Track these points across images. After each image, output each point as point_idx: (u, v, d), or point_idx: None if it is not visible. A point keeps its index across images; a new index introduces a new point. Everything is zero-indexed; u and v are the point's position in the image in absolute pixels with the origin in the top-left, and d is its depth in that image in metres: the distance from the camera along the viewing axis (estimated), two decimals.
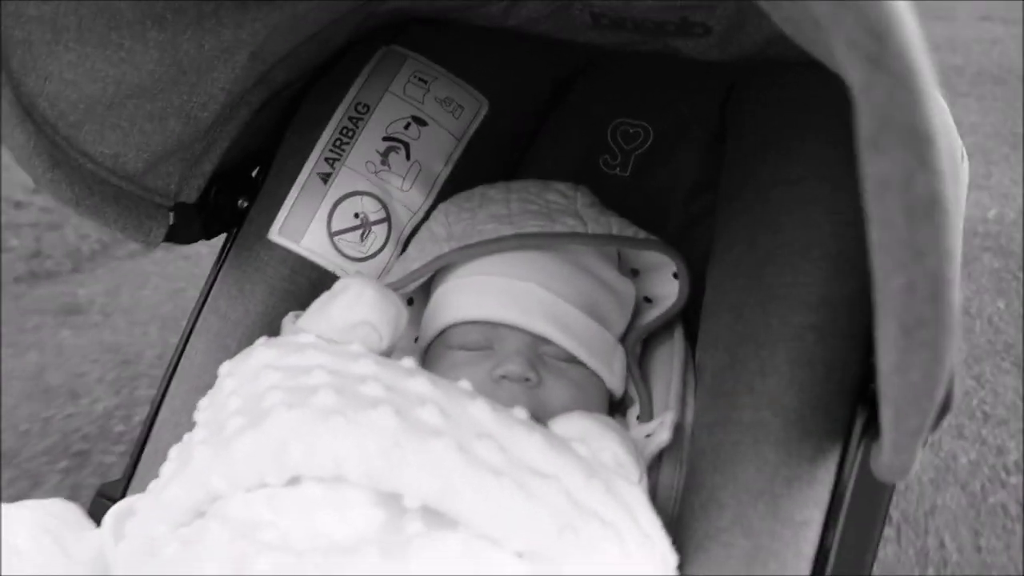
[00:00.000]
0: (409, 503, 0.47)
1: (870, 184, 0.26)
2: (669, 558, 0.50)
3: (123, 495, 0.68)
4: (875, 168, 0.26)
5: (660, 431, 0.61)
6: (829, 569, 0.51)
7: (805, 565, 0.50)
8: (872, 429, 0.52)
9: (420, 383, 0.52)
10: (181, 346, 0.71)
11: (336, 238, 0.74)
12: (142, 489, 0.62)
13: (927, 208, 0.26)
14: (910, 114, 0.24)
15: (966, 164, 0.59)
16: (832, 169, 0.61)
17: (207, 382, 0.63)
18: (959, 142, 0.50)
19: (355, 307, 0.59)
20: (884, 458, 0.39)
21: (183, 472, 0.52)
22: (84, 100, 0.56)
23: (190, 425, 0.61)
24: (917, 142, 0.25)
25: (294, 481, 0.49)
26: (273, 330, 0.69)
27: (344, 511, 0.48)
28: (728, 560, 0.52)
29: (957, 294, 0.29)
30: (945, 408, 0.36)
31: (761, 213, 0.64)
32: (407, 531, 0.47)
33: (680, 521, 0.57)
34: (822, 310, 0.56)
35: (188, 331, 0.72)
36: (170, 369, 0.71)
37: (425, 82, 0.78)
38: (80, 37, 0.53)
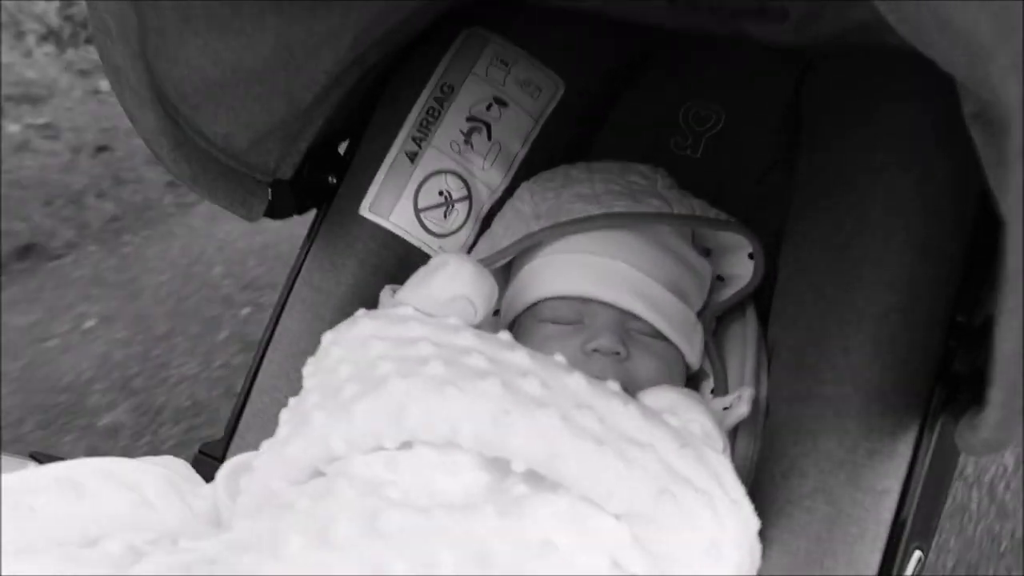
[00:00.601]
0: (516, 467, 0.51)
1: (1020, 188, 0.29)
2: (752, 522, 0.54)
3: (224, 454, 0.72)
4: None
5: (739, 404, 0.65)
6: (905, 535, 0.54)
7: (884, 531, 0.54)
8: (952, 407, 0.55)
9: (520, 356, 0.56)
10: (276, 315, 0.76)
11: (422, 214, 0.77)
12: (242, 449, 0.70)
13: None
14: None
15: None
16: (916, 157, 0.63)
17: (302, 349, 0.70)
18: None
19: (454, 282, 0.63)
20: (984, 434, 0.42)
21: (301, 433, 0.56)
22: (205, 83, 0.59)
23: (288, 390, 0.68)
24: None
25: (406, 445, 0.54)
26: (363, 301, 0.73)
27: (455, 473, 0.53)
28: (811, 524, 0.56)
29: None
30: None
31: (844, 198, 0.66)
32: (513, 492, 0.52)
33: (760, 489, 0.60)
34: (906, 293, 0.59)
35: (283, 301, 0.76)
36: (266, 336, 0.75)
37: (506, 64, 0.80)
38: (208, 24, 0.56)
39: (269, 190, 0.71)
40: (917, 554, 0.56)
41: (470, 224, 0.79)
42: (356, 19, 0.65)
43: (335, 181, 0.78)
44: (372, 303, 0.72)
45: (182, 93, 0.59)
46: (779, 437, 0.62)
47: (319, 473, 0.56)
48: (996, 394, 0.38)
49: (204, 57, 0.58)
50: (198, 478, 0.64)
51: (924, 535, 0.56)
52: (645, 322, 0.67)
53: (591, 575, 0.50)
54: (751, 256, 0.74)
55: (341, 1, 0.63)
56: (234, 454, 0.69)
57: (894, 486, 0.55)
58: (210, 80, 0.60)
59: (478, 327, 0.61)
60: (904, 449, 0.56)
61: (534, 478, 0.52)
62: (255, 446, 0.63)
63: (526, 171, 0.81)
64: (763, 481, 0.61)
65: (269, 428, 0.62)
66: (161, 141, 0.59)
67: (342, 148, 0.82)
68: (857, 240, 0.63)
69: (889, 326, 0.59)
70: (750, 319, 0.75)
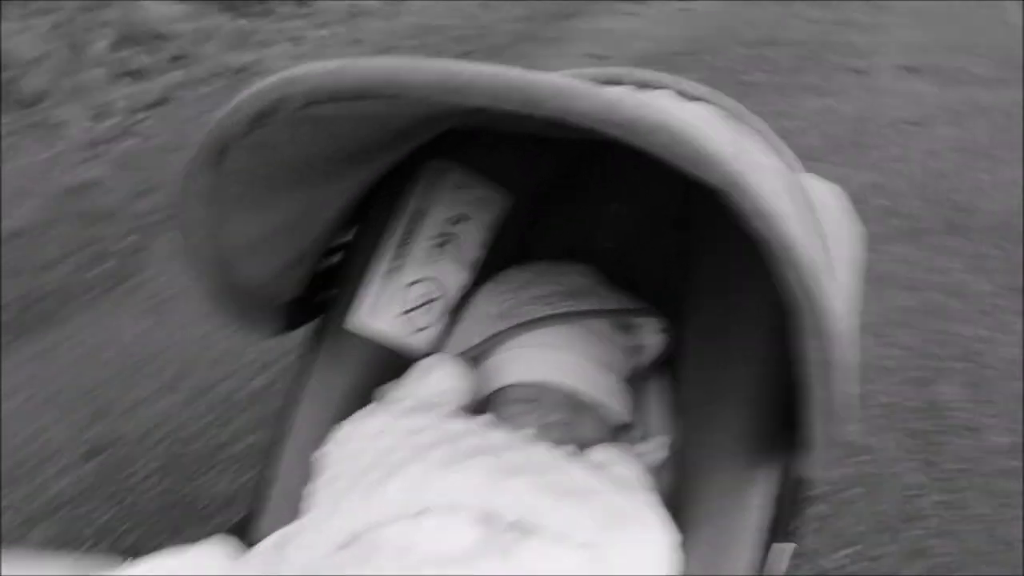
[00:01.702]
0: (505, 518, 0.71)
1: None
2: (674, 537, 0.77)
3: (251, 532, 0.86)
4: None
5: (659, 449, 0.88)
6: (772, 535, 0.78)
7: (759, 536, 0.77)
8: (795, 445, 0.77)
9: (500, 436, 0.78)
10: (290, 412, 0.91)
11: (406, 315, 0.96)
12: (269, 529, 0.82)
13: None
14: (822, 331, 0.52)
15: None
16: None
17: (315, 437, 0.86)
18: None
19: (445, 379, 0.85)
20: (809, 461, 0.65)
21: (339, 510, 0.74)
22: (245, 242, 0.77)
23: (305, 473, 0.84)
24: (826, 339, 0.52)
25: (423, 512, 0.72)
26: (363, 396, 0.90)
27: (459, 528, 0.72)
28: (710, 535, 0.78)
29: (845, 381, 0.54)
30: (840, 440, 0.62)
31: (726, 294, 0.88)
32: (506, 538, 0.71)
33: (676, 512, 0.82)
34: (765, 365, 0.82)
35: (294, 398, 0.92)
36: (281, 432, 0.91)
37: (465, 187, 0.99)
38: (253, 204, 0.74)
39: (285, 309, 0.89)
40: (789, 546, 0.80)
41: (444, 317, 0.99)
42: (360, 179, 0.85)
43: (333, 294, 0.96)
44: (370, 397, 0.91)
45: (232, 253, 0.77)
46: (687, 472, 0.85)
47: (355, 538, 0.72)
48: (812, 433, 0.61)
49: (250, 225, 0.76)
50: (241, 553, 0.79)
51: (788, 531, 0.81)
52: (587, 396, 0.89)
53: None
54: (662, 330, 0.97)
55: (350, 169, 0.81)
56: (263, 533, 0.83)
57: (762, 503, 0.78)
58: (251, 240, 0.78)
59: (466, 409, 0.83)
60: (770, 475, 0.79)
61: (518, 527, 0.72)
62: (271, 529, 0.80)
63: (485, 269, 1.01)
64: (679, 506, 0.83)
65: (283, 512, 0.81)
66: (220, 294, 0.78)
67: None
68: (734, 325, 0.86)
69: (755, 389, 0.82)
70: (664, 378, 0.98)
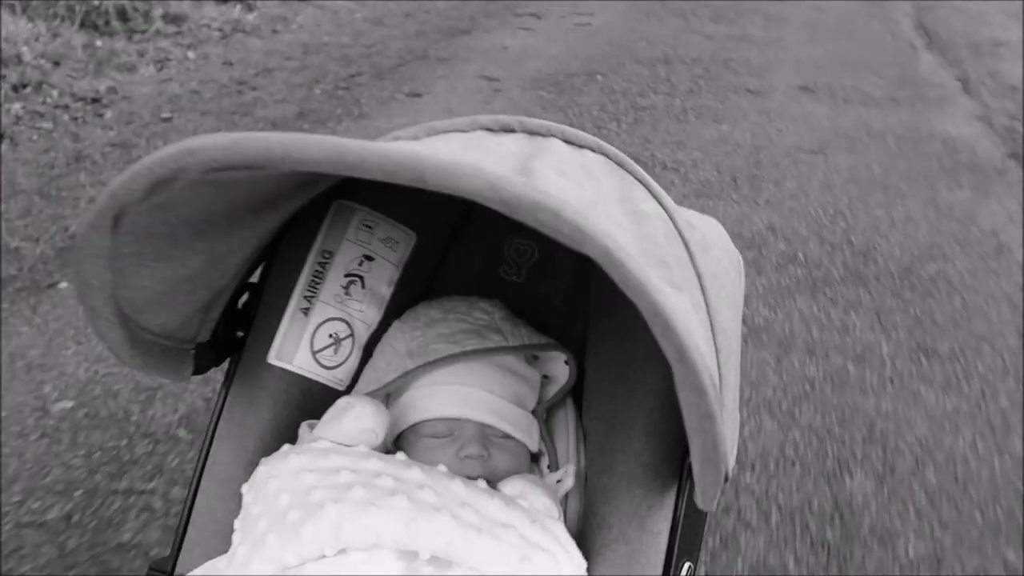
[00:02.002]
0: (423, 555, 0.75)
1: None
2: (582, 564, 0.81)
3: (172, 570, 0.89)
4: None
5: (567, 478, 0.92)
6: (675, 557, 0.81)
7: (662, 557, 0.81)
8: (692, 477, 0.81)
9: (416, 472, 0.80)
10: (206, 447, 0.93)
11: (317, 355, 0.98)
12: (189, 564, 0.87)
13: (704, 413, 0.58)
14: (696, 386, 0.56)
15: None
16: None
17: (232, 475, 0.90)
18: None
19: (360, 419, 0.86)
20: (697, 494, 0.68)
21: (258, 554, 0.75)
22: (151, 296, 0.77)
23: (224, 510, 0.87)
24: (699, 393, 0.56)
25: (342, 552, 0.75)
26: (280, 432, 0.93)
27: (379, 565, 0.74)
28: (616, 559, 0.82)
29: (717, 431, 0.58)
30: (726, 477, 0.66)
31: (627, 332, 0.88)
32: (424, 573, 0.74)
33: (584, 537, 0.87)
34: (664, 400, 0.84)
35: (210, 435, 0.94)
36: (199, 467, 0.93)
37: (370, 227, 1.01)
38: (154, 258, 0.73)
39: (193, 353, 0.89)
40: (687, 565, 0.83)
41: (355, 354, 1.01)
42: (265, 227, 0.86)
43: (242, 335, 0.96)
44: (287, 432, 0.93)
45: (134, 306, 0.76)
46: (593, 499, 0.90)
47: None
48: (695, 469, 0.65)
49: (151, 280, 0.75)
50: None
51: (690, 553, 0.84)
52: (498, 430, 0.92)
53: None
54: (567, 362, 1.00)
55: (251, 220, 0.82)
56: (182, 568, 0.88)
57: (665, 528, 0.81)
58: (155, 293, 0.77)
59: (380, 448, 0.85)
60: (670, 502, 0.82)
61: (436, 561, 0.75)
62: (201, 560, 0.84)
63: (394, 305, 1.03)
64: (585, 531, 0.88)
65: (211, 543, 0.86)
66: (123, 347, 0.77)
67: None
68: (633, 361, 0.88)
69: (654, 421, 0.85)
70: (570, 407, 1.02)
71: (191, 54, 5.16)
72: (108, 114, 4.07)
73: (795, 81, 4.65)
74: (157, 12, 5.75)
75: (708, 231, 0.90)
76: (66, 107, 4.20)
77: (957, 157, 3.58)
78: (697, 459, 0.63)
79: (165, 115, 4.08)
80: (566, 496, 0.92)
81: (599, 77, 4.61)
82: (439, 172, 0.53)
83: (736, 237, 2.79)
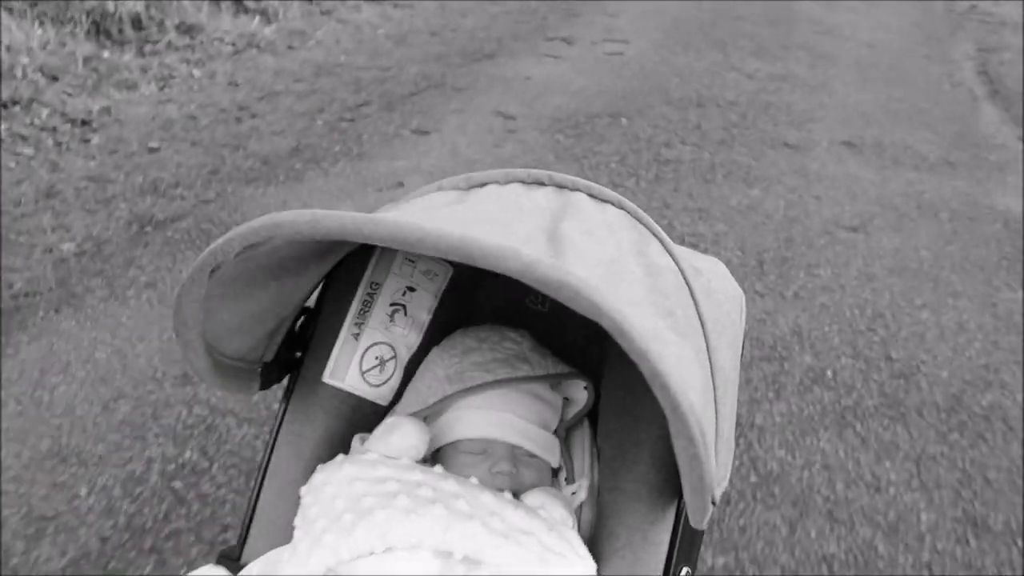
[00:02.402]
0: (456, 555, 0.89)
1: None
2: (593, 567, 0.94)
3: (239, 557, 1.04)
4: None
5: (581, 491, 1.06)
6: (673, 564, 0.93)
7: (661, 565, 0.93)
8: None
9: (452, 484, 0.95)
10: (269, 453, 1.08)
11: (365, 374, 1.11)
12: (255, 553, 1.01)
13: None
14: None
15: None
16: None
17: (292, 479, 1.04)
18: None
19: (406, 436, 1.00)
20: (689, 516, 0.82)
21: (319, 547, 0.90)
22: (228, 327, 0.94)
23: (284, 508, 1.02)
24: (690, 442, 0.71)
25: (389, 550, 0.89)
26: (333, 441, 1.08)
27: (419, 563, 0.89)
28: (622, 567, 0.94)
29: (706, 473, 0.73)
30: (714, 502, 0.79)
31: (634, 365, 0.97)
32: (458, 570, 0.89)
33: (595, 544, 0.98)
34: (667, 431, 0.84)
35: (272, 442, 1.08)
36: (263, 469, 1.08)
37: (412, 262, 1.15)
38: (235, 297, 0.90)
39: (259, 372, 1.04)
40: (685, 570, 0.95)
41: (397, 373, 1.14)
42: (326, 267, 1.05)
43: (300, 355, 1.11)
44: (339, 441, 1.08)
45: (217, 336, 0.93)
46: (604, 511, 1.01)
47: (332, 570, 0.90)
48: (686, 495, 0.78)
49: (231, 315, 0.93)
50: None
51: (688, 560, 0.96)
52: (525, 450, 1.05)
53: None
54: (585, 388, 1.12)
55: (316, 260, 1.00)
56: (247, 557, 1.02)
57: (666, 539, 0.94)
58: (234, 325, 0.95)
59: (421, 460, 1.01)
60: (670, 518, 0.95)
61: (468, 561, 0.89)
62: (264, 550, 0.99)
63: (433, 330, 1.16)
64: (596, 539, 1.00)
65: (272, 536, 1.02)
66: (207, 372, 0.95)
67: None
68: (642, 392, 0.88)
69: (658, 449, 0.97)
70: (586, 428, 1.14)
71: (197, 72, 4.90)
72: (95, 140, 3.83)
73: (839, 135, 4.20)
74: (172, 21, 5.52)
75: (712, 275, 1.04)
76: (53, 130, 3.96)
77: (1019, 243, 3.16)
78: (687, 489, 0.77)
79: (153, 144, 3.82)
80: (580, 506, 1.05)
81: (624, 120, 4.23)
82: (485, 255, 0.70)
83: (756, 344, 2.41)
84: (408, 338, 1.15)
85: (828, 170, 3.80)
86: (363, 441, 1.05)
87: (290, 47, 5.61)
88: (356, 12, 6.34)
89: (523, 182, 1.00)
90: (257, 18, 5.75)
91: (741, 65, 5.31)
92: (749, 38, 5.98)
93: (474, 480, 0.97)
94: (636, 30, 6.01)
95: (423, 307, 1.16)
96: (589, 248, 0.87)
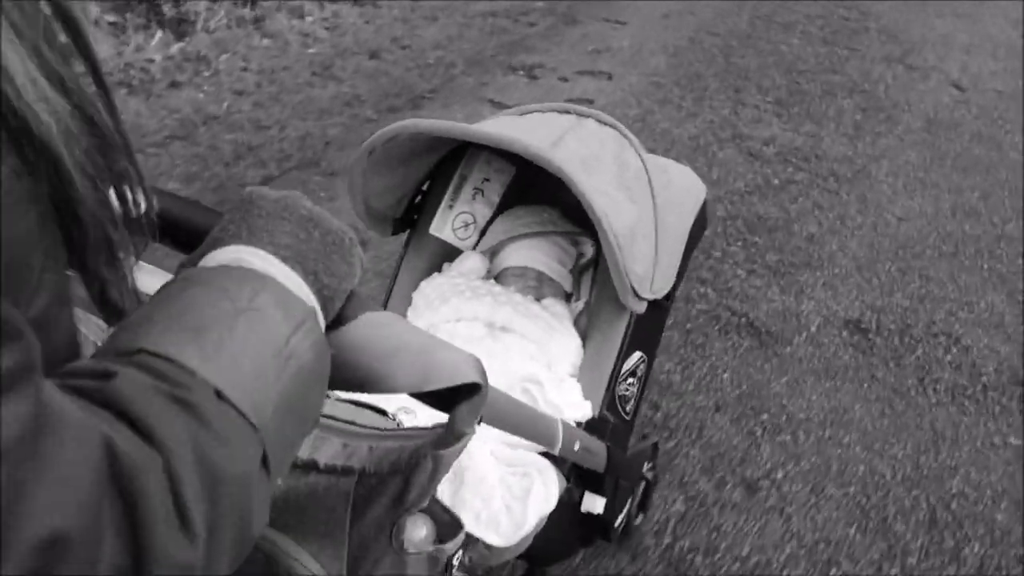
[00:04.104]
0: (496, 325, 1.59)
1: None
2: (579, 340, 1.67)
3: None
4: None
5: (580, 303, 1.72)
6: (626, 345, 1.64)
7: (618, 347, 1.62)
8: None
9: (498, 288, 1.64)
10: (395, 277, 1.79)
11: (456, 231, 1.81)
12: None
13: None
14: None
15: None
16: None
17: (406, 293, 1.74)
18: None
19: (474, 263, 1.71)
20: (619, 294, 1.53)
21: (420, 317, 1.64)
22: (377, 191, 1.64)
23: (404, 308, 1.71)
24: (607, 244, 1.42)
25: (459, 320, 1.60)
26: (433, 268, 1.77)
27: (475, 328, 1.58)
28: (593, 343, 1.64)
29: (619, 260, 1.46)
30: (634, 292, 1.51)
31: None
32: (497, 332, 1.59)
33: (584, 336, 1.67)
34: None
35: (398, 267, 1.79)
36: (392, 283, 1.78)
37: (488, 162, 1.82)
38: (381, 172, 1.64)
39: (394, 223, 1.74)
40: (639, 354, 1.63)
41: (475, 234, 1.83)
42: (435, 158, 1.71)
43: (416, 217, 1.80)
44: (436, 267, 1.76)
45: (369, 196, 1.59)
46: (590, 317, 1.68)
47: (428, 328, 1.57)
48: (613, 274, 1.50)
49: (379, 184, 1.59)
50: None
51: (644, 346, 1.65)
52: (547, 275, 1.71)
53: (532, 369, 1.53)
54: (592, 245, 1.77)
55: (428, 154, 1.67)
56: None
57: (623, 328, 1.62)
58: (380, 189, 1.61)
59: (484, 277, 1.70)
60: (628, 316, 1.61)
61: (504, 329, 1.58)
62: None
63: (499, 209, 1.84)
64: (586, 331, 1.67)
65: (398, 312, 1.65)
66: (366, 218, 1.63)
67: None
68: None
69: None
70: (590, 271, 1.78)
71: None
72: None
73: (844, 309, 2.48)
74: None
75: (678, 174, 1.71)
76: None
77: None
78: (614, 275, 1.40)
79: None
80: (580, 314, 1.70)
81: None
82: (510, 144, 1.36)
83: None
84: (484, 211, 1.84)
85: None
86: (450, 266, 1.76)
87: (173, 84, 3.84)
88: (298, 19, 4.68)
89: (556, 111, 1.68)
90: (158, 35, 4.12)
91: (749, 130, 3.44)
92: (769, 78, 4.04)
93: (512, 288, 1.66)
94: (625, 64, 4.24)
95: (494, 191, 1.85)
96: (577, 148, 1.52)
